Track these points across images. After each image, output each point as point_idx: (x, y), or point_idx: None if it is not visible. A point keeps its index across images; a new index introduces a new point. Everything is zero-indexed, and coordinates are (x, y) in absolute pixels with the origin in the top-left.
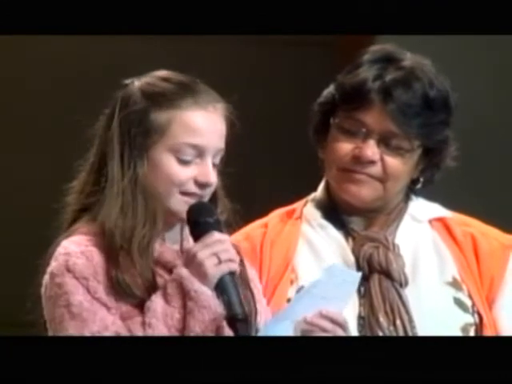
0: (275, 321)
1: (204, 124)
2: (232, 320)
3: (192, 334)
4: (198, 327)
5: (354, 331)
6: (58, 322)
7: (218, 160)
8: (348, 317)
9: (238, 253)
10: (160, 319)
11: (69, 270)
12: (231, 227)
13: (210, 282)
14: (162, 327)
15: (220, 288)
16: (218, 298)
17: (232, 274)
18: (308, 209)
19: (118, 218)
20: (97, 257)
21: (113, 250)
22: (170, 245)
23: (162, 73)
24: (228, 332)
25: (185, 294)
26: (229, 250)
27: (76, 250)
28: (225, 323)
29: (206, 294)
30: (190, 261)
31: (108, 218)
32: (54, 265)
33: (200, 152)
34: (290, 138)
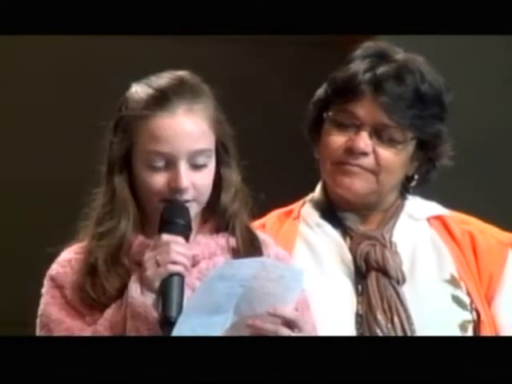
0: (198, 311)
1: (169, 130)
2: (162, 322)
3: None
4: (134, 333)
5: (351, 329)
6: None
7: (202, 160)
8: (346, 315)
9: (256, 244)
10: (107, 327)
11: (51, 279)
12: (248, 217)
13: (150, 285)
14: (107, 334)
15: (161, 290)
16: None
17: (179, 275)
18: (306, 209)
19: (94, 228)
20: (80, 265)
21: (88, 259)
22: None
23: (154, 76)
24: None
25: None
26: (170, 253)
27: (65, 258)
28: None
29: (139, 300)
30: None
31: (89, 227)
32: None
33: (169, 158)
34: (289, 139)
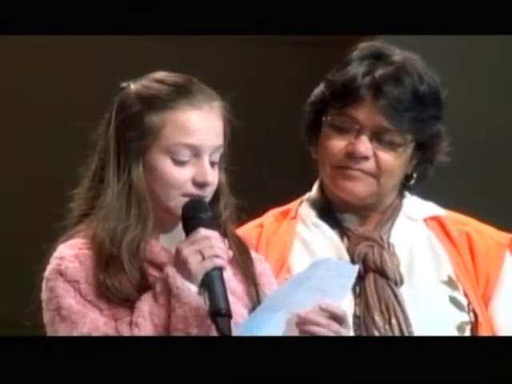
0: (263, 311)
1: (198, 123)
2: (214, 315)
3: (176, 332)
4: (181, 324)
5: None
6: (49, 325)
7: (217, 158)
8: None
9: (246, 247)
10: (147, 318)
11: (61, 274)
12: (235, 223)
13: (194, 279)
14: (148, 326)
15: (205, 284)
16: (204, 294)
17: (219, 269)
18: (303, 209)
19: (109, 222)
20: (89, 260)
21: (102, 253)
22: (169, 245)
23: (158, 74)
24: (214, 329)
25: (170, 292)
26: (213, 247)
27: (70, 254)
28: (209, 320)
29: (187, 290)
30: (177, 258)
31: (100, 222)
32: (48, 269)
33: (196, 152)
34: (288, 138)
